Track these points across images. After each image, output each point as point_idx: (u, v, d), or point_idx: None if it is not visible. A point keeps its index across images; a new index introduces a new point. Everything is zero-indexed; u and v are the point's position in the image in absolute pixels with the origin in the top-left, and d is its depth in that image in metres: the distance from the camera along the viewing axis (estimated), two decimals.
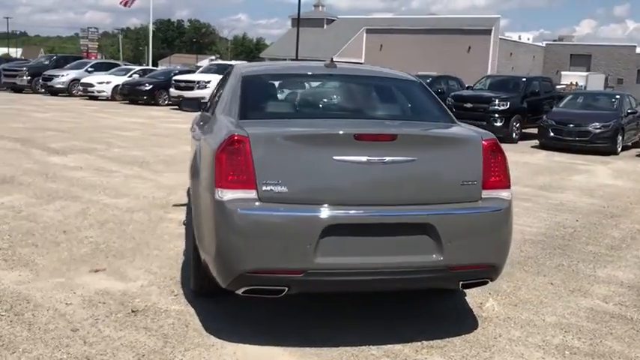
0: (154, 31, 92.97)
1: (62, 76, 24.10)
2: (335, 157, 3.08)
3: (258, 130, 3.20)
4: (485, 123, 13.53)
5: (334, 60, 4.19)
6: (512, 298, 4.10)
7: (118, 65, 27.01)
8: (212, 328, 3.39)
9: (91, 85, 22.93)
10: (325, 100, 4.25)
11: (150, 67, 31.94)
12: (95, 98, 23.13)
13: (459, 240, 3.18)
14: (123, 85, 22.19)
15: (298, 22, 33.81)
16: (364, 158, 3.10)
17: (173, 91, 20.54)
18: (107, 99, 22.83)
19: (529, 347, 3.37)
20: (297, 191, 3.05)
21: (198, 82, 20.04)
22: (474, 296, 4.05)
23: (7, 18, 79.09)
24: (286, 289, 3.05)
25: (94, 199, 6.29)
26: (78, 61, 26.85)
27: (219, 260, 3.09)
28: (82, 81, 23.28)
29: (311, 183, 3.10)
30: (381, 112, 4.06)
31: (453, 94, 16.42)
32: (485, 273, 3.33)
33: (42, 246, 4.67)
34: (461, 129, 3.68)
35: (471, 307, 3.87)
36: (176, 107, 20.92)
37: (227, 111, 3.69)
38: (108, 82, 22.99)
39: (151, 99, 21.62)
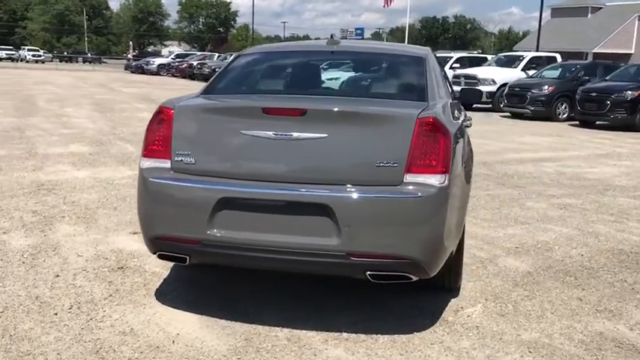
0: (418, 29, 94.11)
1: None
2: (242, 131, 3.04)
3: (186, 103, 3.30)
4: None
5: (336, 38, 4.06)
6: (508, 307, 3.50)
7: None
8: (163, 290, 3.60)
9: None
10: (299, 77, 4.08)
11: None
12: None
13: (360, 225, 2.86)
14: None
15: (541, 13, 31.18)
16: (271, 133, 2.99)
17: None
18: None
19: None
20: (203, 163, 3.08)
21: None
22: (461, 299, 3.58)
23: (284, 22, 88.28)
24: (187, 257, 3.12)
25: None
26: None
27: (140, 224, 3.29)
28: None
29: (217, 156, 3.10)
30: (348, 89, 3.80)
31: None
32: (400, 267, 2.93)
33: (118, 209, 5.38)
34: (404, 106, 3.25)
35: (444, 310, 3.43)
36: None
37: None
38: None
39: None
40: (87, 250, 4.27)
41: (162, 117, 3.20)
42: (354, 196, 2.88)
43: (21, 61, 63.28)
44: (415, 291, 3.57)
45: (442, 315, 3.37)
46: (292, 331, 3.12)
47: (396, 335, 3.11)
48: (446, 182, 2.93)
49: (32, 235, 4.54)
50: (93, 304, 3.39)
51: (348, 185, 2.91)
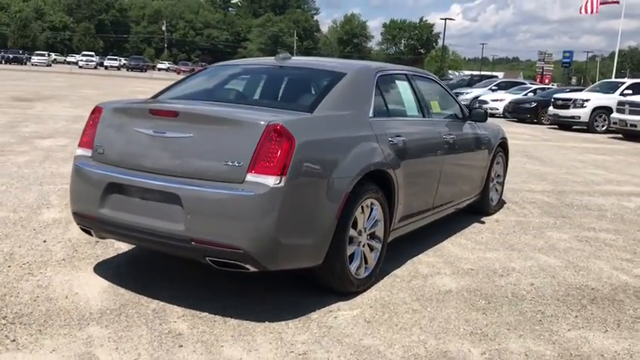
0: None
1: (466, 93, 25.86)
2: (134, 129, 3.60)
3: (111, 104, 3.92)
4: None
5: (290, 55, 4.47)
6: (384, 316, 3.55)
7: (523, 84, 27.18)
8: (107, 262, 4.26)
9: (485, 102, 23.94)
10: (226, 87, 4.47)
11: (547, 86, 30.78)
12: (492, 115, 24.11)
13: (201, 215, 3.24)
14: (509, 102, 22.49)
15: None
16: (151, 131, 3.51)
17: (550, 110, 19.83)
18: (499, 116, 23.52)
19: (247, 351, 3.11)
20: (108, 154, 3.69)
21: (575, 100, 18.81)
22: (349, 303, 3.71)
23: (483, 44, 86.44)
24: (91, 231, 3.75)
25: None
26: (486, 80, 28.18)
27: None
28: (479, 99, 24.52)
29: (116, 148, 3.68)
30: (258, 98, 4.14)
31: None
32: (234, 256, 3.22)
33: None
34: (264, 113, 3.52)
35: (318, 309, 3.60)
36: (555, 126, 20.22)
37: None
38: (501, 100, 23.62)
39: (534, 117, 21.33)
40: None
41: (94, 115, 3.88)
42: (198, 188, 3.28)
43: None
44: (320, 292, 3.80)
45: (311, 313, 3.56)
46: (162, 305, 3.57)
47: (246, 321, 3.40)
48: (281, 183, 3.19)
49: None
50: (40, 264, 4.15)
51: (198, 180, 3.31)
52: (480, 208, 6.18)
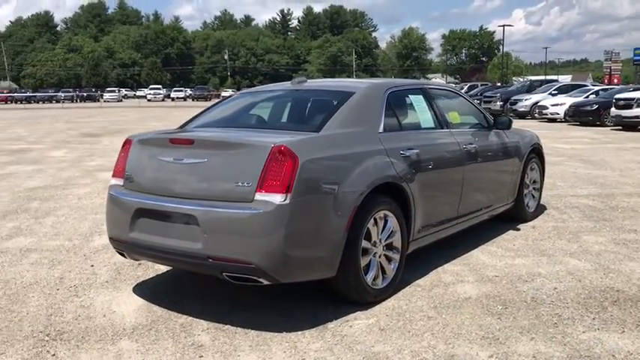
0: None
1: (525, 99, 25.37)
2: (158, 157, 3.91)
3: (140, 136, 4.25)
4: None
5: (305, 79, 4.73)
6: (399, 324, 3.67)
7: (585, 86, 26.38)
8: (145, 282, 4.58)
9: (545, 108, 23.46)
10: (245, 113, 4.72)
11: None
12: (553, 120, 23.58)
13: (215, 234, 3.49)
14: (570, 106, 21.90)
15: None
16: (171, 158, 3.82)
17: (613, 111, 19.20)
18: (560, 120, 22.95)
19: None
20: (137, 181, 4.02)
21: (637, 99, 18.14)
22: (365, 312, 3.85)
23: (546, 48, 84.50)
24: (124, 253, 4.07)
25: None
26: (546, 85, 27.53)
27: None
28: (539, 104, 24.01)
29: (143, 176, 4.00)
30: (271, 122, 4.39)
31: None
32: (248, 271, 3.44)
33: None
34: (272, 135, 3.76)
35: (336, 318, 3.77)
36: (618, 128, 19.56)
37: None
38: (562, 104, 23.04)
39: (596, 119, 20.69)
40: None
41: (125, 146, 4.23)
42: (213, 209, 3.54)
43: None
44: (339, 302, 3.96)
45: (328, 323, 3.72)
46: (190, 319, 3.83)
47: (265, 332, 3.61)
48: (287, 200, 3.40)
49: None
50: (89, 284, 4.53)
51: (213, 201, 3.57)
52: (515, 216, 6.17)
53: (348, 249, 3.72)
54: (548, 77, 48.20)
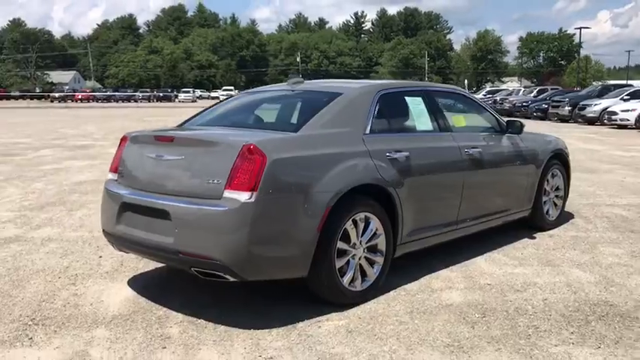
0: None
1: (595, 105, 24.29)
2: (145, 154, 4.05)
3: (133, 133, 4.40)
4: None
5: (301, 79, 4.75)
6: (368, 327, 3.64)
7: None
8: (143, 275, 4.75)
9: (615, 114, 22.37)
10: (237, 113, 4.76)
11: None
12: (623, 127, 22.47)
13: (185, 229, 3.57)
14: None
15: None
16: (154, 155, 3.94)
17: None
18: (631, 127, 21.84)
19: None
20: (126, 177, 4.18)
21: None
22: (339, 314, 3.84)
23: (629, 51, 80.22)
24: (113, 246, 4.23)
25: None
26: (619, 89, 26.23)
27: None
28: (608, 110, 22.93)
29: (131, 171, 4.14)
30: (255, 122, 4.42)
31: None
32: (214, 267, 3.50)
33: None
34: (248, 135, 3.80)
35: (307, 319, 3.77)
36: None
37: None
38: (633, 110, 21.90)
39: None
40: None
41: (121, 143, 4.41)
42: (184, 205, 3.63)
43: None
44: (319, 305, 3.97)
45: (298, 322, 3.74)
46: (168, 312, 3.94)
47: (234, 328, 3.66)
48: (252, 199, 3.44)
49: None
50: (90, 274, 4.73)
51: (186, 197, 3.66)
52: (533, 224, 5.96)
53: (320, 249, 3.72)
54: (629, 82, 45.90)
